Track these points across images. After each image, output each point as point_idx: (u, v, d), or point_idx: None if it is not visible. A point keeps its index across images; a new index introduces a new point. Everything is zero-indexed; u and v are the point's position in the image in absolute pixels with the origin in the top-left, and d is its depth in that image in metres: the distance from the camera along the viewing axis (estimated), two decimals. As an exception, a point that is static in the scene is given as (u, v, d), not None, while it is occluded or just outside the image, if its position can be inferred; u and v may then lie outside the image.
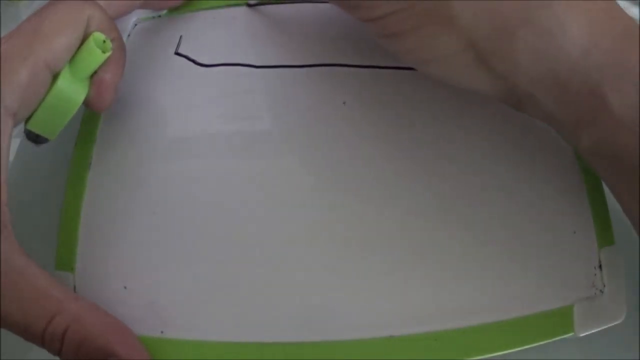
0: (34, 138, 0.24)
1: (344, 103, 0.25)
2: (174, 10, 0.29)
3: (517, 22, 0.17)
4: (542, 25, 0.18)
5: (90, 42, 0.23)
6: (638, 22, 0.20)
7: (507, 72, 0.19)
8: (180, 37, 0.28)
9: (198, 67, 0.27)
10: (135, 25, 0.29)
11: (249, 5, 0.28)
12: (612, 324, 0.23)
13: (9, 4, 0.43)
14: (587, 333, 0.22)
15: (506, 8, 0.17)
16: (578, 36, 0.18)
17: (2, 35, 0.22)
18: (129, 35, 0.29)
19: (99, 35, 0.23)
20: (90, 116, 0.27)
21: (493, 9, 0.17)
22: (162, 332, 0.22)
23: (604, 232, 0.24)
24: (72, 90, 0.23)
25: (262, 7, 0.29)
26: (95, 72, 0.24)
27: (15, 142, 0.25)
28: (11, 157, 0.28)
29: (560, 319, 0.22)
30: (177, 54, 0.27)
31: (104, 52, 0.23)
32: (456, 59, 0.19)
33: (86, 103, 0.24)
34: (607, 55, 0.18)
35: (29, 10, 0.42)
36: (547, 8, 0.18)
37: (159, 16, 0.29)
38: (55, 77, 0.23)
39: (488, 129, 0.25)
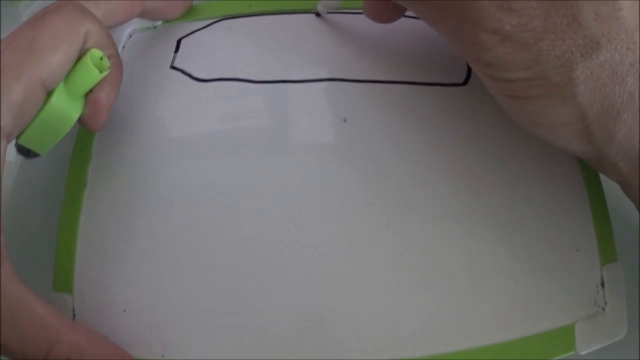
0: (25, 152, 0.23)
1: (344, 120, 0.25)
2: (170, 20, 0.29)
3: (622, 107, 0.20)
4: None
5: (87, 60, 0.22)
6: None
7: (603, 144, 0.21)
8: (176, 50, 0.27)
9: (194, 81, 0.26)
10: (130, 36, 0.29)
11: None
12: (613, 341, 0.23)
13: (9, 4, 0.43)
14: (588, 351, 0.22)
15: (617, 93, 0.20)
16: None
17: (2, 36, 0.22)
18: (123, 47, 0.28)
19: (96, 52, 0.22)
20: (85, 132, 0.26)
21: (607, 93, 0.19)
22: (162, 355, 0.23)
23: (607, 248, 0.23)
24: (66, 108, 0.22)
25: (260, 19, 0.28)
26: (90, 90, 0.23)
27: (13, 147, 0.25)
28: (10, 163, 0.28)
29: (562, 338, 0.22)
30: (172, 67, 0.27)
31: (101, 71, 0.23)
32: (565, 128, 0.21)
33: (80, 122, 0.24)
34: None
35: (28, 10, 0.42)
36: None
37: (155, 27, 0.29)
38: (49, 94, 0.22)
39: (489, 144, 0.24)
